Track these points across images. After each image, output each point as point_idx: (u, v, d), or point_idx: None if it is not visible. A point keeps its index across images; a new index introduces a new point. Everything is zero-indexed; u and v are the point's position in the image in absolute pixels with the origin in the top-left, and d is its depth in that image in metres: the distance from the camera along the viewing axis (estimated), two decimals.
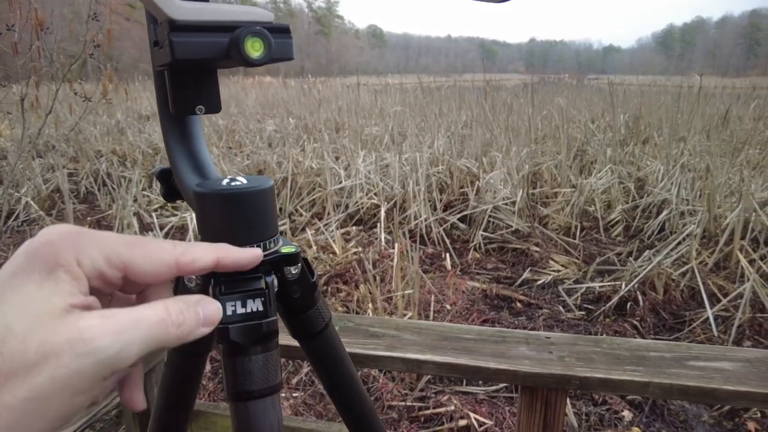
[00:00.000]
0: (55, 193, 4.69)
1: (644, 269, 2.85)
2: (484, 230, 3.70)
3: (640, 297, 2.73)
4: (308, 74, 18.49)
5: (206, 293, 0.33)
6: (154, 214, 3.72)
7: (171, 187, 0.40)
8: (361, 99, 8.46)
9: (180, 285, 0.35)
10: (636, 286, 2.80)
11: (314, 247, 3.29)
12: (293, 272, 0.36)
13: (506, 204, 3.88)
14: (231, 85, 13.71)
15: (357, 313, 2.54)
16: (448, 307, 2.67)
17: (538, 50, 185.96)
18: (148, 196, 4.38)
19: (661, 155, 4.77)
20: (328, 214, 3.99)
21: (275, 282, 0.34)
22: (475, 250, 3.58)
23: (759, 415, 1.98)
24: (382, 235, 3.48)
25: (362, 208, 4.09)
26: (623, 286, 2.81)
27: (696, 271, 2.78)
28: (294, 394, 2.00)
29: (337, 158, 4.97)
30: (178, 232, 3.72)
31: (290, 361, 2.15)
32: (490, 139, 5.26)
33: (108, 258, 0.26)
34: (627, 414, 2.01)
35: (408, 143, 5.11)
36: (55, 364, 0.22)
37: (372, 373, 2.11)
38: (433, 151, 4.78)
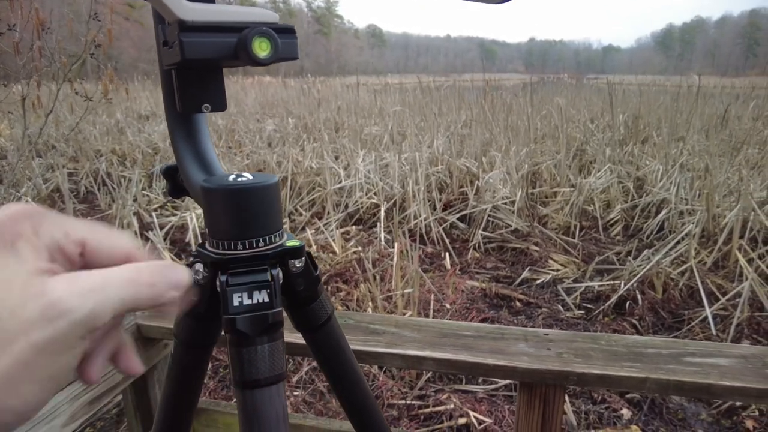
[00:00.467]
0: (54, 193, 4.70)
1: (643, 268, 2.86)
2: (484, 230, 3.71)
3: (639, 296, 2.74)
4: (308, 74, 18.49)
5: (213, 286, 0.34)
6: (153, 214, 3.72)
7: (176, 183, 0.41)
8: (361, 99, 8.46)
9: None
10: (635, 285, 2.81)
11: (314, 247, 3.30)
12: (297, 266, 0.37)
13: (505, 203, 3.89)
14: (230, 84, 13.72)
15: (357, 312, 2.55)
16: (448, 306, 2.68)
17: (538, 50, 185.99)
18: (147, 195, 4.38)
19: (660, 155, 4.78)
20: (328, 213, 4.00)
21: (280, 275, 0.35)
22: (474, 249, 3.59)
23: (757, 413, 1.99)
24: (382, 235, 3.49)
25: (362, 207, 4.10)
26: (622, 285, 2.82)
27: (695, 270, 2.79)
28: (295, 392, 2.01)
29: (336, 158, 4.98)
30: (178, 232, 3.73)
31: (291, 359, 2.16)
32: (489, 138, 5.27)
33: (66, 232, 0.26)
34: (626, 412, 2.02)
35: (407, 143, 5.12)
36: (29, 331, 0.22)
37: (372, 371, 2.12)
38: (432, 150, 4.79)
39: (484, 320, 2.63)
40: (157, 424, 0.43)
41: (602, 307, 2.75)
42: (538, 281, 3.12)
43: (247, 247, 0.34)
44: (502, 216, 3.80)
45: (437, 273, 3.18)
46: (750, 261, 2.80)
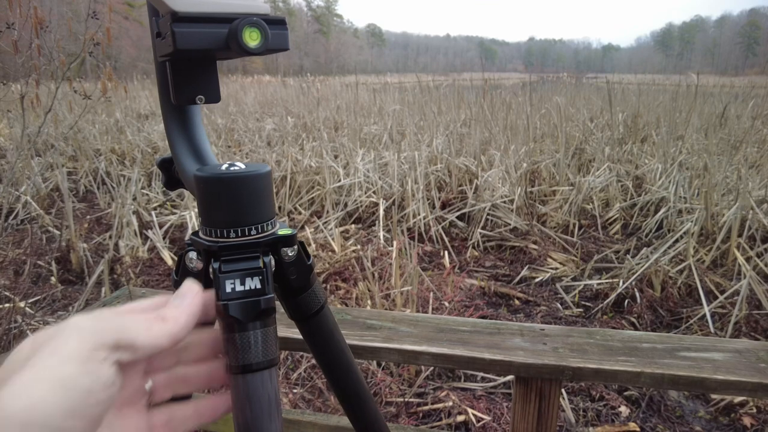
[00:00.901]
0: (54, 192, 4.70)
1: (642, 267, 2.87)
2: (483, 228, 3.71)
3: (637, 294, 2.75)
4: (307, 73, 18.50)
5: (207, 273, 0.35)
6: (153, 213, 3.73)
7: (172, 175, 0.42)
8: (360, 98, 8.47)
9: (182, 267, 0.37)
10: (633, 283, 2.81)
11: (313, 245, 3.30)
12: (290, 254, 0.38)
13: (504, 202, 3.90)
14: (230, 83, 13.71)
15: (354, 308, 2.55)
16: (447, 304, 2.69)
17: (537, 49, 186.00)
18: (147, 194, 4.39)
19: (659, 153, 4.78)
20: (327, 212, 4.00)
21: (272, 262, 0.36)
22: (473, 247, 3.60)
23: (755, 410, 1.99)
24: (381, 233, 3.50)
25: (361, 206, 4.10)
26: (621, 283, 2.82)
27: (693, 268, 2.80)
28: (294, 390, 2.01)
29: (336, 157, 4.99)
30: (178, 230, 3.73)
31: (289, 357, 2.16)
32: (488, 137, 5.27)
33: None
34: (624, 409, 2.02)
35: (407, 142, 5.13)
36: None
37: (371, 368, 2.12)
38: (431, 149, 4.80)
39: (482, 318, 2.64)
40: None
41: (601, 306, 2.75)
42: (537, 279, 3.12)
43: (239, 234, 0.34)
44: (501, 214, 3.81)
45: (436, 271, 3.18)
46: (748, 259, 2.81)
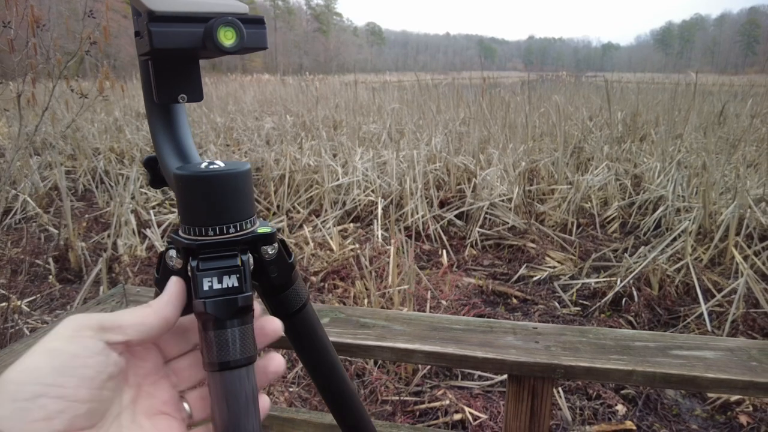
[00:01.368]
0: (52, 191, 4.70)
1: (639, 265, 2.87)
2: (481, 227, 3.71)
3: (635, 293, 2.75)
4: (306, 72, 18.50)
5: (186, 271, 0.35)
6: (151, 212, 3.73)
7: (157, 174, 0.42)
8: (359, 96, 8.46)
9: (162, 265, 0.37)
10: (631, 282, 2.81)
11: (311, 244, 3.30)
12: (270, 252, 0.38)
13: (503, 201, 3.90)
14: (229, 82, 13.71)
15: (348, 306, 2.55)
16: (444, 302, 2.69)
17: (537, 48, 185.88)
18: (145, 193, 4.38)
19: (657, 152, 4.78)
20: (326, 211, 4.00)
21: (251, 260, 0.36)
22: (471, 246, 3.60)
23: (751, 408, 2.00)
24: (379, 232, 3.50)
25: (359, 205, 4.10)
26: (618, 282, 2.82)
27: (691, 267, 2.80)
28: (290, 388, 2.02)
29: (334, 155, 4.99)
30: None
31: (286, 355, 2.16)
32: (487, 136, 5.27)
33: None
34: (620, 408, 2.02)
35: (405, 140, 5.13)
36: None
37: (367, 366, 2.12)
38: (430, 148, 4.80)
39: (479, 317, 2.64)
40: None
41: (598, 304, 2.75)
42: (535, 278, 3.12)
43: (217, 233, 0.34)
44: (500, 213, 3.81)
45: (434, 270, 3.18)
46: (746, 258, 2.81)
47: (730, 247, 3.03)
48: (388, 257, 2.74)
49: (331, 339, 0.46)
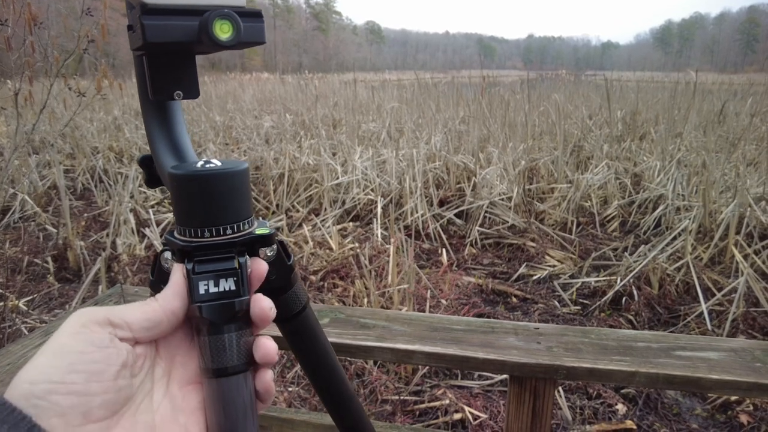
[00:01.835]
0: (51, 190, 4.69)
1: (639, 264, 2.86)
2: (481, 226, 3.70)
3: (635, 292, 2.74)
4: (305, 70, 18.47)
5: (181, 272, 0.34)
6: (150, 211, 3.71)
7: (152, 173, 0.41)
8: (359, 95, 8.45)
9: (157, 267, 0.36)
10: (631, 280, 2.81)
11: (311, 243, 3.29)
12: (268, 254, 0.37)
13: (502, 200, 3.89)
14: (228, 81, 13.68)
15: (348, 306, 2.55)
16: (444, 302, 2.68)
17: (536, 46, 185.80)
18: (144, 192, 4.37)
19: (657, 151, 4.78)
20: (325, 210, 3.99)
21: (248, 262, 0.35)
22: (471, 245, 3.59)
23: (751, 408, 1.99)
24: (379, 231, 3.49)
25: (359, 204, 4.09)
26: (618, 280, 2.82)
27: (691, 265, 2.79)
28: (289, 388, 2.01)
29: (334, 154, 4.97)
30: None
31: (284, 355, 2.15)
32: (486, 135, 5.26)
33: None
34: (621, 407, 2.02)
35: (405, 139, 5.11)
36: None
37: (367, 366, 2.11)
38: (430, 147, 4.79)
39: (479, 316, 2.63)
40: None
41: (598, 303, 2.75)
42: (535, 277, 3.12)
43: (213, 234, 0.33)
44: (499, 212, 3.80)
45: (434, 269, 3.17)
46: (746, 257, 2.80)
47: (730, 245, 3.02)
48: (388, 256, 2.74)
49: (331, 340, 0.45)
